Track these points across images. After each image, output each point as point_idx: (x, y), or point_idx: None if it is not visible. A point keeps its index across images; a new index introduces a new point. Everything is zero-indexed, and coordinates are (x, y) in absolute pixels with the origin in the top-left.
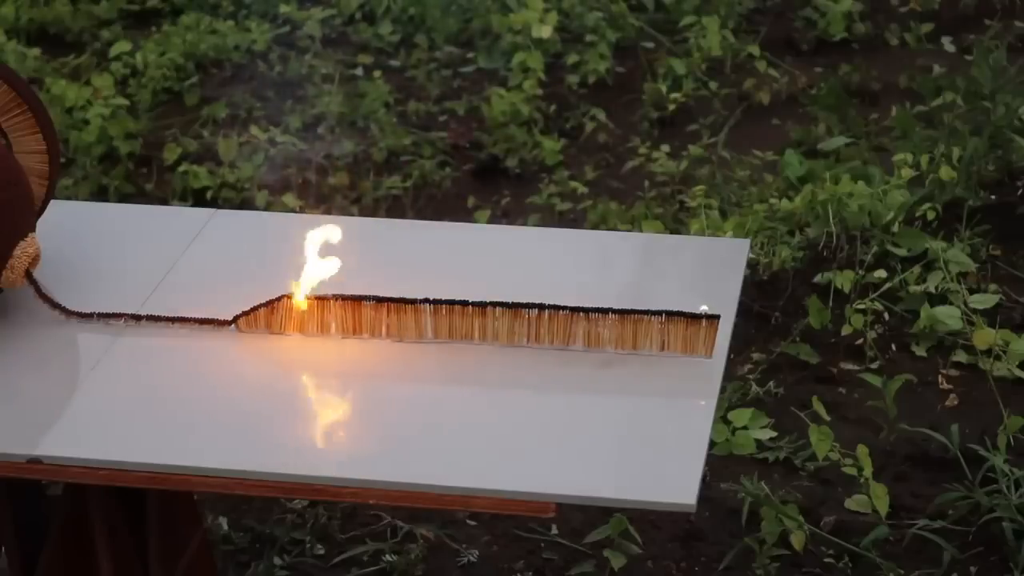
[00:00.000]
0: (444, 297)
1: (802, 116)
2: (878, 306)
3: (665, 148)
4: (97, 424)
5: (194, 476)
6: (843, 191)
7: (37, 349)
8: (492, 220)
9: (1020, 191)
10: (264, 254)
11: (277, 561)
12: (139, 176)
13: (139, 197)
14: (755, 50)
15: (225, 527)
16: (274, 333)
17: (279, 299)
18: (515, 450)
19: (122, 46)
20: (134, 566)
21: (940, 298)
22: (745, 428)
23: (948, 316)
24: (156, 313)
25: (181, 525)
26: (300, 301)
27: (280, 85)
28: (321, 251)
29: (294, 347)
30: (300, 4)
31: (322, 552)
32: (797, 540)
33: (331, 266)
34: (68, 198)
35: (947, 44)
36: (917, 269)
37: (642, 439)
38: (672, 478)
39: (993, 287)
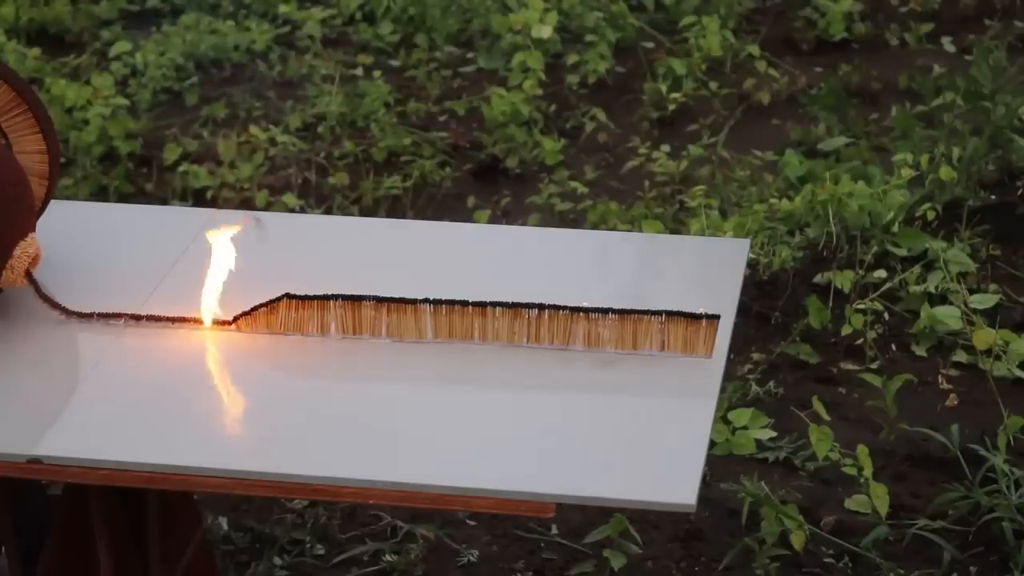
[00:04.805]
0: (444, 297)
1: (802, 116)
2: (878, 306)
3: (665, 148)
4: (97, 424)
5: (194, 476)
6: (843, 191)
7: (37, 349)
8: (492, 220)
9: (1020, 191)
10: (264, 254)
11: (277, 561)
12: (139, 176)
13: (139, 197)
14: (755, 50)
15: (225, 527)
16: (274, 333)
17: (279, 299)
18: (515, 450)
19: (122, 46)
20: (134, 566)
21: (940, 298)
22: (745, 428)
23: (948, 316)
24: (156, 313)
25: (181, 525)
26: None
27: (280, 85)
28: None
29: (294, 347)
30: (300, 4)
31: (322, 552)
32: (797, 540)
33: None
34: (68, 198)
35: (947, 44)
36: (917, 269)
37: (642, 439)
38: (672, 478)
39: (993, 287)
